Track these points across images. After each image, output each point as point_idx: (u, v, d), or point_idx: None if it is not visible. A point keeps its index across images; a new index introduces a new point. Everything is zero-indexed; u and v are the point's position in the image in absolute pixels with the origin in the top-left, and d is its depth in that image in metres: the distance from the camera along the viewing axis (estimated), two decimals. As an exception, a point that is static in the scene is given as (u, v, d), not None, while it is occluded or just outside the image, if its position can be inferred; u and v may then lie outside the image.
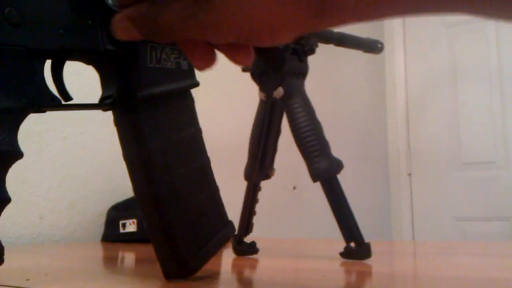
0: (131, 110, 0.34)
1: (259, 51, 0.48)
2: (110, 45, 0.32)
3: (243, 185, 0.50)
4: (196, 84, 0.38)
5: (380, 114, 2.40)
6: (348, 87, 1.98)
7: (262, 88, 0.48)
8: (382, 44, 0.63)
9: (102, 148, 0.89)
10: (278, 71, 0.47)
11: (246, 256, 0.48)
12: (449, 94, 2.38)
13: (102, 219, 0.83)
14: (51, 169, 0.80)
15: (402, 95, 2.50)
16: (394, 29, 2.53)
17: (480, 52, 2.33)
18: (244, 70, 0.49)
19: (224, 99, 1.20)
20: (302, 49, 0.49)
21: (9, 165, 0.30)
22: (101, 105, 0.35)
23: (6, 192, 0.30)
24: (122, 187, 0.91)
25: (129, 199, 0.84)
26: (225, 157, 1.18)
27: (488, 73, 2.31)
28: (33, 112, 0.31)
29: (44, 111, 0.32)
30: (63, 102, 0.33)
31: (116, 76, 0.34)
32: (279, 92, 0.47)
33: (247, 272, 0.41)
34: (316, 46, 0.52)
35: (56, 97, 0.32)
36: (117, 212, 0.81)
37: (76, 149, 0.84)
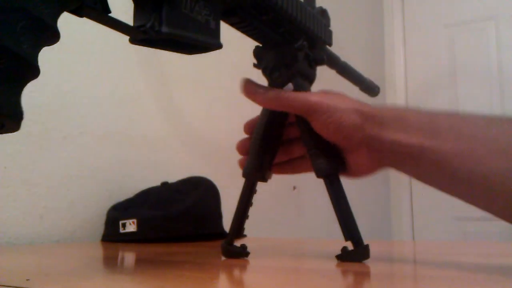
0: (158, 44, 0.37)
1: (273, 46, 0.48)
2: None
3: (243, 184, 0.49)
4: (219, 46, 0.40)
5: (380, 114, 2.40)
6: (347, 87, 1.98)
7: (271, 83, 0.49)
8: (378, 88, 0.67)
9: (102, 148, 0.89)
10: (290, 68, 0.48)
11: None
12: (449, 94, 2.38)
13: (102, 219, 0.83)
14: (51, 169, 0.80)
15: (402, 95, 2.50)
16: (394, 29, 2.53)
17: (480, 52, 2.33)
18: (255, 65, 0.50)
19: (224, 98, 1.20)
20: (313, 57, 0.50)
21: (45, 40, 0.30)
22: (137, 30, 0.36)
23: (37, 63, 0.30)
24: (122, 187, 0.91)
25: (129, 199, 0.84)
26: (227, 157, 1.18)
27: (488, 73, 2.31)
28: (73, 8, 0.31)
29: (82, 15, 0.32)
30: (104, 14, 0.33)
31: (151, 9, 0.35)
32: (289, 87, 0.47)
33: (246, 272, 0.41)
34: (326, 59, 0.53)
35: (100, 3, 0.32)
36: (117, 212, 0.81)
37: (76, 149, 0.84)
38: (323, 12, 0.55)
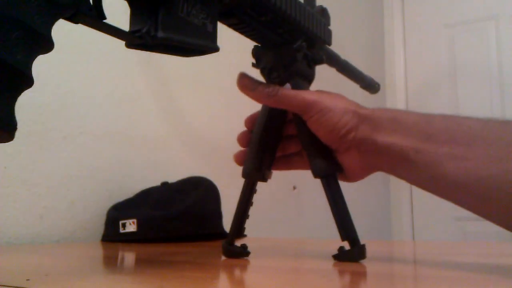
0: (154, 48, 0.37)
1: (272, 47, 0.48)
2: None
3: (243, 184, 0.49)
4: (216, 49, 0.40)
5: (380, 114, 2.40)
6: (347, 87, 1.98)
7: (270, 84, 0.48)
8: (379, 85, 0.67)
9: (102, 148, 0.89)
10: (288, 68, 0.48)
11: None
12: (449, 94, 2.38)
13: (102, 219, 0.83)
14: (51, 168, 0.80)
15: (402, 96, 2.50)
16: (394, 29, 2.53)
17: (480, 52, 2.33)
18: (254, 65, 0.50)
19: (224, 98, 1.20)
20: (312, 57, 0.50)
21: (39, 49, 0.30)
22: (132, 35, 0.36)
23: (31, 73, 0.30)
24: (122, 187, 0.91)
25: (129, 199, 0.84)
26: (227, 157, 1.18)
27: (488, 73, 2.31)
28: (68, 15, 0.31)
29: (77, 21, 0.32)
30: (99, 20, 0.33)
31: (148, 14, 0.35)
32: (287, 87, 0.47)
33: (246, 272, 0.41)
34: (325, 59, 0.53)
35: (94, 9, 0.32)
36: (117, 212, 0.80)
37: (76, 149, 0.84)
38: (323, 11, 0.54)
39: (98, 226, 0.84)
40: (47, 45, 0.30)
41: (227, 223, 0.87)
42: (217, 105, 1.19)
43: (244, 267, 0.43)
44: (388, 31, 2.53)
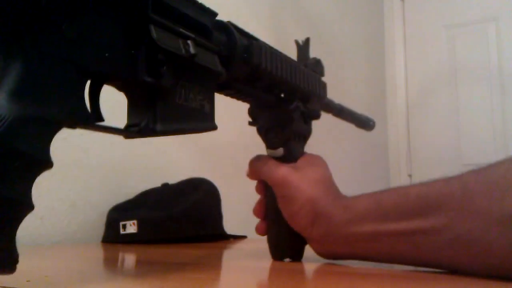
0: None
1: (269, 107, 0.49)
2: (148, 77, 0.32)
3: (243, 184, 0.49)
4: (214, 128, 0.40)
5: (381, 115, 2.41)
6: (348, 88, 1.99)
7: (267, 143, 0.49)
8: (374, 122, 0.69)
9: (103, 149, 0.89)
10: (284, 130, 0.48)
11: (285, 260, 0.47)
12: (449, 94, 2.38)
13: (103, 220, 0.83)
14: (51, 170, 0.80)
15: (403, 96, 2.50)
16: (394, 30, 2.53)
17: (480, 52, 2.33)
18: (251, 123, 0.50)
19: (224, 98, 1.20)
20: (308, 113, 0.51)
21: (39, 173, 0.30)
22: (129, 131, 0.35)
23: (31, 199, 0.30)
24: (123, 188, 0.91)
25: (130, 200, 0.84)
26: (227, 158, 1.18)
27: (488, 73, 2.31)
28: (67, 127, 0.31)
29: (75, 128, 0.32)
30: (96, 123, 0.33)
31: (145, 107, 0.35)
32: (279, 152, 0.48)
33: (246, 273, 0.41)
34: (320, 114, 0.54)
35: (91, 116, 0.32)
36: (118, 213, 0.80)
37: (76, 150, 0.84)
38: (317, 63, 0.55)
39: (99, 227, 0.84)
40: (46, 167, 0.30)
41: (227, 224, 0.87)
42: (217, 105, 1.19)
43: (244, 268, 0.43)
44: (388, 31, 2.53)
